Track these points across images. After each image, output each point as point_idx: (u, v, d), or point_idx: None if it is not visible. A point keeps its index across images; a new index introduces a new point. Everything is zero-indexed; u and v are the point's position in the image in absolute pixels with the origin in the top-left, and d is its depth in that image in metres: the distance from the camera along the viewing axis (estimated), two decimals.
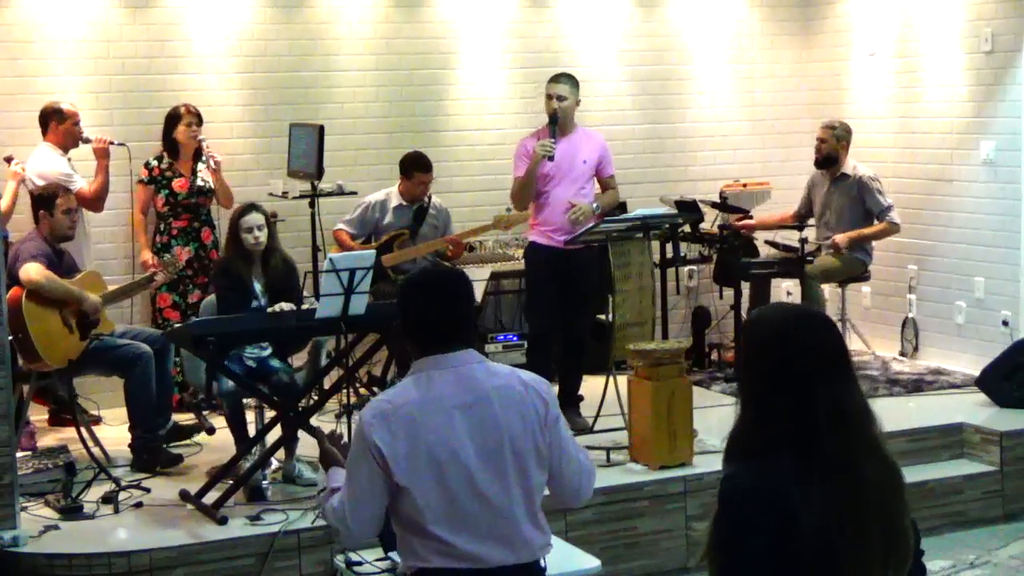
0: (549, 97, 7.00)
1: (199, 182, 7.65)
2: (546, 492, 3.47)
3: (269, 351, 6.39)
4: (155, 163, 7.66)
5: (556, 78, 7.07)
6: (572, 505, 3.58)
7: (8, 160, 7.21)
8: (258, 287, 6.33)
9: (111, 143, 7.43)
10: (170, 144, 7.68)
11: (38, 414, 7.33)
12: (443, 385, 3.32)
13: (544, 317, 7.08)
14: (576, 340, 7.12)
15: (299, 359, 6.75)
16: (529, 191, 6.99)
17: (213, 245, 7.72)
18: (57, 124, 7.35)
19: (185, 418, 7.15)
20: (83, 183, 7.22)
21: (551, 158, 6.87)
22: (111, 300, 6.79)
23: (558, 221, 7.00)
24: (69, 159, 7.41)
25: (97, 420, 7.34)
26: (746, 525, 2.45)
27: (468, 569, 3.29)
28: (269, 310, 6.11)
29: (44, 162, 7.27)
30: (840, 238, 8.16)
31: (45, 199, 6.68)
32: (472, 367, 3.37)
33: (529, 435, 3.34)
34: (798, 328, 2.56)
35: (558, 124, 6.94)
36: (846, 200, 8.30)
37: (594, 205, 7.05)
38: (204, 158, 7.62)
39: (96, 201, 7.30)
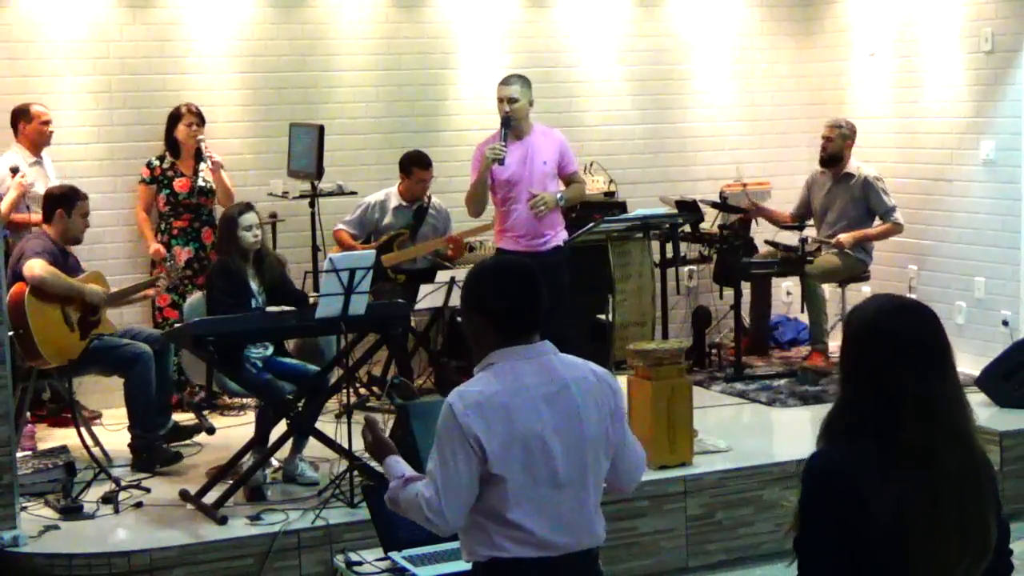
0: (500, 100, 6.79)
1: (200, 182, 7.65)
2: None
3: (272, 349, 6.41)
4: (157, 163, 7.66)
5: (506, 80, 6.87)
6: (625, 491, 3.67)
7: (14, 171, 7.16)
8: (255, 286, 6.34)
9: (26, 192, 7.13)
10: (171, 143, 7.68)
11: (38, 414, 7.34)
12: (527, 375, 3.36)
13: None
14: (557, 341, 6.91)
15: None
16: (481, 197, 6.82)
17: (213, 246, 7.72)
18: (25, 125, 7.35)
19: (185, 418, 7.15)
20: (12, 195, 7.02)
21: (501, 162, 6.69)
22: (113, 301, 6.78)
23: (524, 226, 6.86)
24: (37, 160, 7.35)
25: (97, 416, 7.35)
26: (816, 504, 2.58)
27: (541, 557, 3.33)
28: (268, 309, 6.12)
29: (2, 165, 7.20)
30: (845, 237, 8.17)
31: (66, 198, 6.65)
32: (550, 358, 3.43)
33: (602, 425, 3.41)
34: (891, 317, 2.64)
35: (511, 127, 6.77)
36: (848, 199, 8.30)
37: (558, 196, 6.82)
38: (204, 158, 7.63)
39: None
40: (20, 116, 7.36)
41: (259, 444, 6.12)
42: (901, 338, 2.59)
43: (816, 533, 2.58)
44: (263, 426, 6.20)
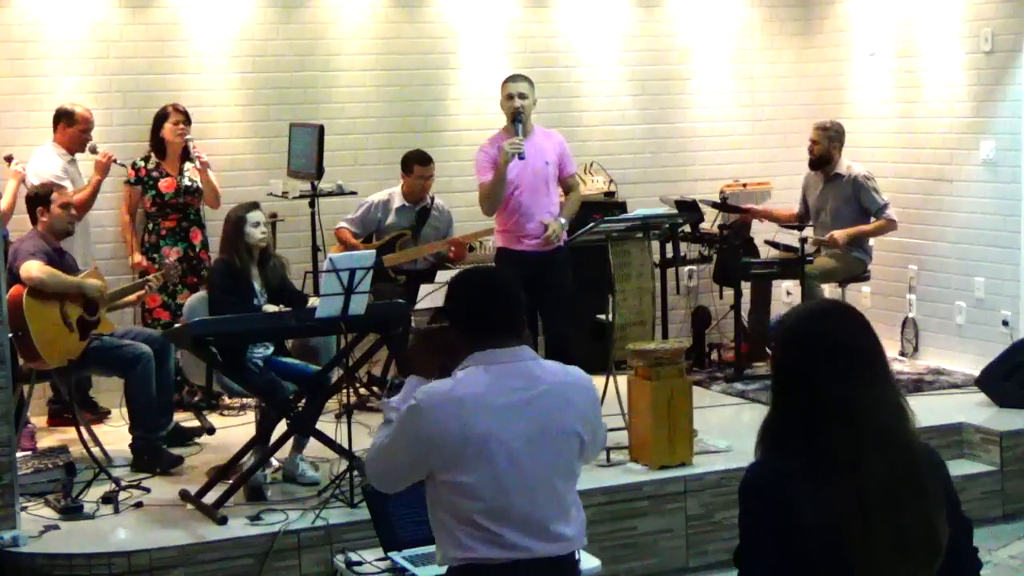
0: (510, 96, 6.83)
1: (186, 181, 7.64)
2: None
3: (272, 349, 6.41)
4: (142, 163, 7.63)
5: (514, 77, 6.95)
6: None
7: (8, 160, 7.21)
8: (257, 286, 6.34)
9: (114, 160, 7.41)
10: (157, 143, 7.66)
11: (38, 414, 7.33)
12: (499, 378, 3.35)
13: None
14: (559, 346, 6.86)
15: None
16: (501, 193, 6.82)
17: (202, 245, 7.70)
18: (66, 126, 7.38)
19: (185, 417, 7.15)
20: (70, 189, 7.13)
21: (521, 156, 6.71)
22: (109, 301, 6.78)
23: (527, 226, 6.86)
24: (73, 160, 7.41)
25: (107, 413, 7.39)
26: (751, 516, 2.56)
27: (513, 560, 3.32)
28: (266, 308, 6.13)
29: (41, 161, 7.30)
30: (838, 234, 8.17)
31: (41, 197, 6.69)
32: (527, 363, 3.41)
33: (578, 431, 3.41)
34: (813, 321, 2.62)
35: (522, 123, 6.79)
36: (841, 199, 8.31)
37: (562, 221, 6.91)
38: (192, 157, 7.61)
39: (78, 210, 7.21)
40: (63, 117, 7.39)
41: (260, 444, 6.12)
42: (821, 341, 2.57)
43: (753, 546, 2.54)
44: (265, 426, 6.20)
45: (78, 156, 7.47)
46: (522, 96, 6.82)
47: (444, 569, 3.42)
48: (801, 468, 2.50)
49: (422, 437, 3.28)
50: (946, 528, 2.53)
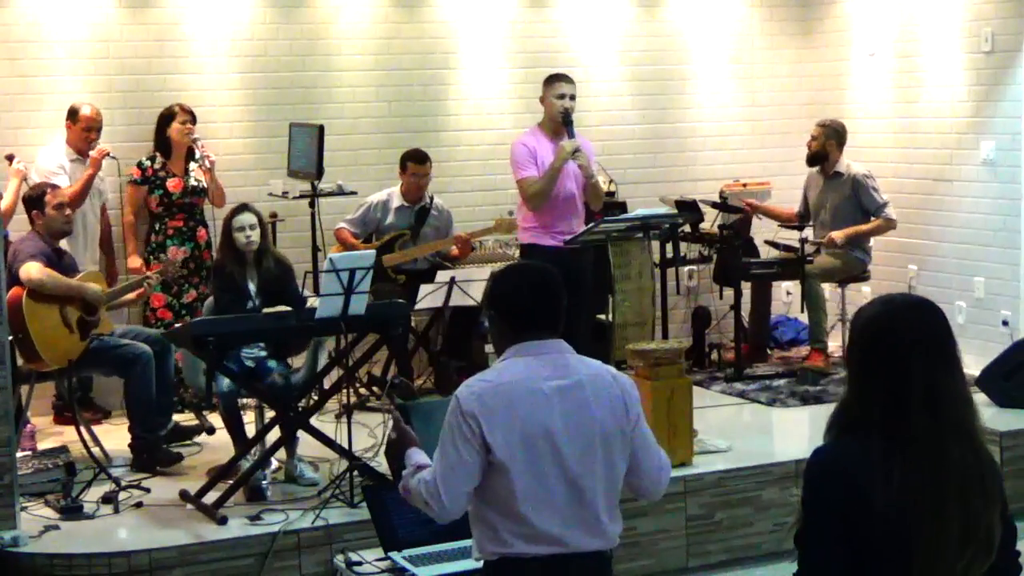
0: (561, 96, 6.94)
1: (192, 181, 7.64)
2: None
3: (266, 352, 6.39)
4: (148, 163, 7.63)
5: (564, 77, 7.04)
6: (651, 498, 3.72)
7: (9, 159, 7.20)
8: (252, 288, 6.33)
9: (107, 155, 7.40)
10: (163, 143, 7.66)
11: (38, 414, 7.33)
12: (539, 368, 3.41)
13: None
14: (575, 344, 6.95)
15: (298, 359, 6.75)
16: (551, 191, 6.93)
17: (207, 244, 7.70)
18: (71, 124, 7.40)
19: (185, 418, 7.15)
20: (64, 184, 7.14)
21: (576, 159, 6.87)
22: (109, 301, 6.78)
23: (561, 222, 6.95)
24: (78, 159, 7.40)
25: (108, 412, 7.40)
26: (817, 499, 2.60)
27: (549, 555, 3.35)
28: (265, 311, 6.12)
29: (43, 157, 7.35)
30: (837, 234, 8.19)
31: (34, 199, 6.70)
32: (565, 355, 3.49)
33: (616, 425, 3.45)
34: (901, 312, 2.68)
35: (572, 123, 6.94)
36: (840, 198, 8.32)
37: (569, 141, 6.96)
38: (198, 157, 7.59)
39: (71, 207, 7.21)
40: (69, 115, 7.42)
41: (245, 449, 6.12)
42: (910, 332, 2.63)
43: (818, 528, 2.59)
44: (235, 430, 6.22)
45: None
46: (572, 97, 6.95)
47: (447, 569, 3.45)
48: (876, 452, 2.55)
49: (470, 424, 3.31)
50: (1000, 531, 2.60)
